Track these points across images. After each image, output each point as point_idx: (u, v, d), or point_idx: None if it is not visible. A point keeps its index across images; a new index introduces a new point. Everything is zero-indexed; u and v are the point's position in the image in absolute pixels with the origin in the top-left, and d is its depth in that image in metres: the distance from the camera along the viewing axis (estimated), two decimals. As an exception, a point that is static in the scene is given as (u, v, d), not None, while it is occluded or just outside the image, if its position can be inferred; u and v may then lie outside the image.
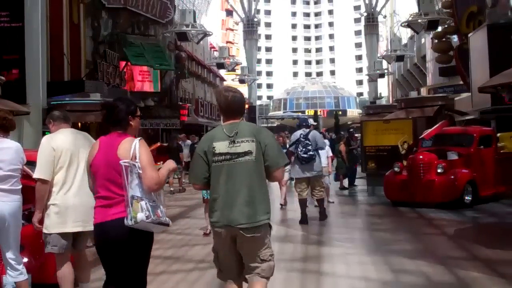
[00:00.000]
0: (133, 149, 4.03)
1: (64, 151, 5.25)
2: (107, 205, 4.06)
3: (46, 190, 5.17)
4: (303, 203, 10.89)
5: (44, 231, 5.22)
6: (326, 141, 14.18)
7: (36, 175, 5.17)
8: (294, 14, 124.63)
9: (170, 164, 4.28)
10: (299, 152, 10.64)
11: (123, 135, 4.15)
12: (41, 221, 5.24)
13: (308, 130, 11.02)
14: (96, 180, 4.18)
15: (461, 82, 22.75)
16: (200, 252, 8.36)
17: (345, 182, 17.91)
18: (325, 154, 12.64)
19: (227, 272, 4.47)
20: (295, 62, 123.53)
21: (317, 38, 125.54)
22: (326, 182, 13.47)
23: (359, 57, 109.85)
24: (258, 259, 4.34)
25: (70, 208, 5.19)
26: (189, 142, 21.34)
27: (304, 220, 10.85)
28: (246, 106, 53.38)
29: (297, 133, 11.07)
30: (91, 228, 5.30)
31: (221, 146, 4.32)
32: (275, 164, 4.37)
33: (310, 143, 10.67)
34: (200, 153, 4.41)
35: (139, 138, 4.15)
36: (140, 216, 3.89)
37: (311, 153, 10.63)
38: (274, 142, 4.54)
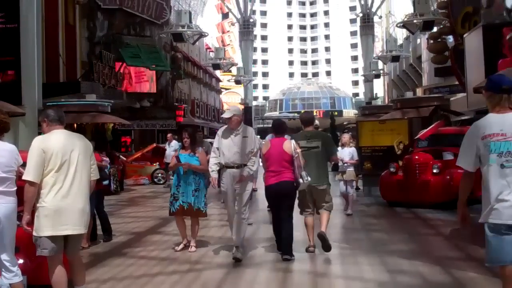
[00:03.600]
0: (292, 145, 7.76)
1: (55, 153, 5.18)
2: (277, 174, 7.77)
3: (35, 192, 5.13)
4: None
5: (34, 233, 5.17)
6: None
7: (25, 176, 5.13)
8: (290, 14, 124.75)
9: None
10: None
11: (284, 138, 8.04)
12: (31, 223, 5.20)
13: None
14: (268, 161, 7.92)
15: (457, 83, 22.79)
16: (196, 253, 8.35)
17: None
18: None
19: (307, 209, 8.24)
20: (291, 62, 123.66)
21: (313, 38, 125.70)
22: (348, 191, 12.49)
23: (354, 58, 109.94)
24: (324, 201, 8.22)
25: (59, 211, 5.14)
26: (175, 143, 19.27)
27: None
28: (242, 106, 53.40)
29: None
30: (81, 231, 5.30)
31: (302, 143, 8.09)
32: (331, 153, 8.43)
33: None
34: None
35: (291, 139, 8.06)
36: (309, 178, 7.66)
37: None
38: (330, 140, 8.61)
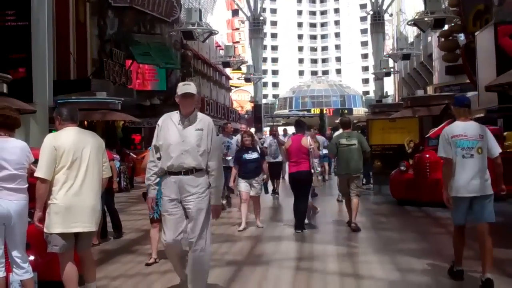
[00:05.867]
0: (308, 141, 9.78)
1: (67, 151, 5.21)
2: (297, 164, 9.70)
3: (46, 189, 5.15)
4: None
5: (45, 230, 5.20)
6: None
7: (36, 173, 5.16)
8: (300, 12, 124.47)
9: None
10: None
11: (303, 135, 10.02)
12: (43, 220, 5.23)
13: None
14: (290, 154, 9.83)
15: (468, 81, 22.59)
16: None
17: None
18: None
19: (344, 192, 10.43)
20: (301, 60, 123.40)
21: (323, 36, 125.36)
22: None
23: (365, 56, 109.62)
24: (356, 186, 10.24)
25: (70, 208, 5.16)
26: None
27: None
28: (252, 104, 53.35)
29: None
30: (91, 228, 5.30)
31: (343, 141, 10.25)
32: (365, 148, 10.33)
33: None
34: (333, 144, 10.55)
35: (308, 136, 10.23)
36: (319, 169, 10.41)
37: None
38: (364, 139, 10.69)
